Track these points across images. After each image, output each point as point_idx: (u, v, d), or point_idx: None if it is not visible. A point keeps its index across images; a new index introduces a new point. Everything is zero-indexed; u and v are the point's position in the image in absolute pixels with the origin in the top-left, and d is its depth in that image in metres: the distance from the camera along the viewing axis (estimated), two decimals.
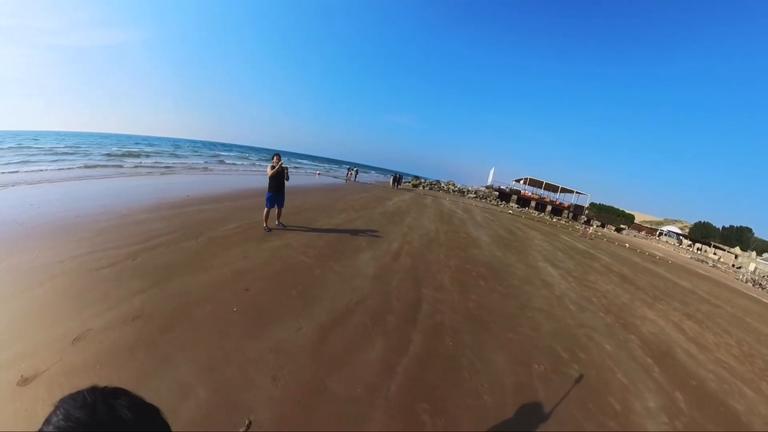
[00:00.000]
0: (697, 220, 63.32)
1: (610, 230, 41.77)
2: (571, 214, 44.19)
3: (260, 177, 19.80)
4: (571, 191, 46.92)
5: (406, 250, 8.14)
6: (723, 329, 7.39)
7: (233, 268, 5.27)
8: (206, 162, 32.54)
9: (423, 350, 3.89)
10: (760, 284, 20.09)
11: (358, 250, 7.37)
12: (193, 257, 5.46)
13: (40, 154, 22.33)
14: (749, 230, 56.88)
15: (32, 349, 2.90)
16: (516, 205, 42.49)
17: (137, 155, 29.11)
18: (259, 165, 37.33)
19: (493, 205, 36.68)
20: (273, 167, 7.69)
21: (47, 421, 0.57)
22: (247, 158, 49.76)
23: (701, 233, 56.61)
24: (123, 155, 27.50)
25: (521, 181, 48.95)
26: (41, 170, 14.62)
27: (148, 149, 37.99)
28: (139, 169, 19.01)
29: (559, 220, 37.47)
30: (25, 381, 2.56)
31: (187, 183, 14.87)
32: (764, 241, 55.95)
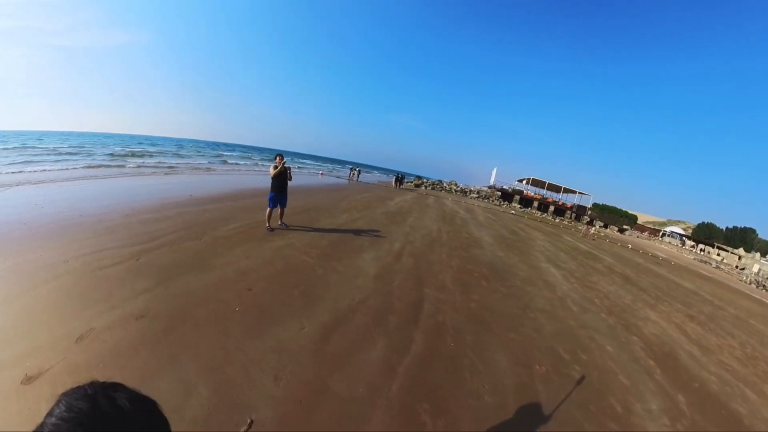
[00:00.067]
0: (700, 221, 63.09)
1: (612, 231, 41.65)
2: (573, 215, 44.09)
3: (263, 177, 19.85)
4: (573, 191, 46.80)
5: (408, 250, 8.14)
6: (726, 331, 7.36)
7: (236, 267, 5.29)
8: (210, 162, 32.64)
9: (424, 350, 3.90)
10: (764, 286, 19.99)
11: (360, 250, 7.38)
12: (196, 257, 5.48)
13: (43, 154, 22.44)
14: (753, 231, 56.62)
15: (36, 348, 2.92)
16: (518, 206, 42.42)
17: (140, 155, 29.21)
18: (262, 165, 37.40)
19: (495, 205, 36.62)
20: (275, 167, 7.71)
21: (50, 414, 0.59)
22: (249, 158, 49.87)
23: (704, 234, 56.39)
24: (126, 155, 27.60)
25: (524, 182, 48.86)
26: (45, 170, 14.70)
27: (152, 149, 38.12)
28: (143, 169, 19.09)
29: (562, 220, 37.39)
30: (29, 379, 2.58)
31: (190, 183, 14.93)
32: None
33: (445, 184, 47.58)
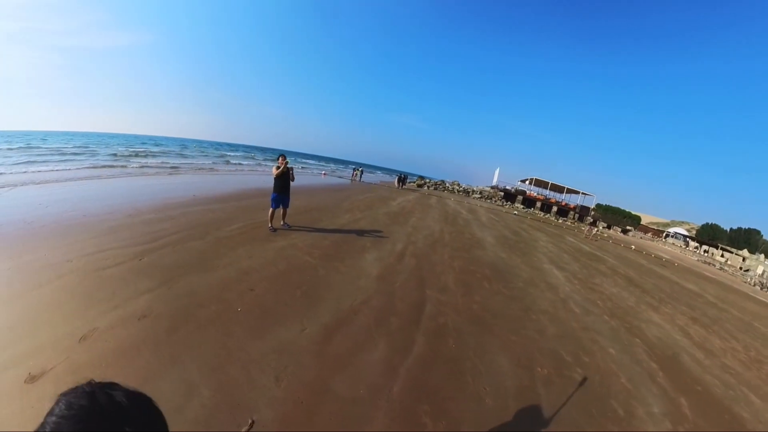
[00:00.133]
0: (704, 222, 62.72)
1: (616, 231, 41.49)
2: (576, 215, 43.96)
3: (265, 177, 19.89)
4: (576, 192, 46.67)
5: (410, 251, 8.14)
6: (730, 334, 7.32)
7: (238, 268, 5.30)
8: (213, 162, 32.73)
9: (426, 352, 3.90)
10: None
11: (362, 251, 7.39)
12: (198, 257, 5.50)
13: (47, 154, 22.56)
14: (758, 232, 56.24)
15: (40, 347, 2.94)
16: (521, 206, 42.32)
17: (144, 155, 29.32)
18: (265, 165, 37.47)
19: (498, 205, 36.56)
20: (278, 167, 7.72)
21: (50, 413, 0.60)
22: (252, 158, 50.00)
23: (708, 235, 56.08)
24: (130, 155, 27.71)
25: (527, 182, 48.77)
26: (49, 170, 14.78)
27: (155, 149, 38.28)
28: (146, 170, 19.16)
29: (565, 221, 37.28)
30: (32, 378, 2.60)
31: (194, 183, 14.98)
32: None
33: (447, 185, 47.53)
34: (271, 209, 7.79)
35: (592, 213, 46.00)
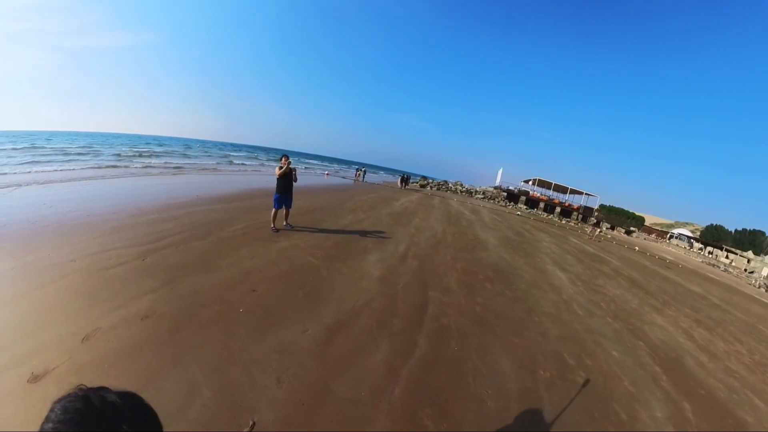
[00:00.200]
0: (708, 223, 62.26)
1: (619, 232, 41.30)
2: (580, 216, 43.80)
3: (268, 177, 19.92)
4: (580, 192, 46.48)
5: (413, 252, 8.13)
6: (734, 336, 7.26)
7: (241, 268, 5.32)
8: (217, 163, 32.85)
9: (428, 354, 3.89)
10: None
11: (365, 252, 7.39)
12: (201, 257, 5.52)
13: (52, 154, 22.72)
14: (763, 234, 55.79)
15: (43, 347, 2.96)
16: (524, 206, 42.19)
17: (148, 155, 29.47)
18: (268, 165, 37.56)
19: (501, 206, 36.47)
20: (281, 168, 7.73)
21: (46, 420, 0.61)
22: (256, 158, 50.12)
23: (713, 236, 55.71)
24: (134, 155, 27.86)
25: (530, 182, 48.61)
26: (53, 170, 14.88)
27: (159, 149, 38.46)
28: (150, 170, 19.25)
29: (568, 222, 37.15)
30: (35, 378, 2.61)
31: (197, 183, 15.04)
32: None
33: (450, 185, 47.45)
34: (273, 210, 7.80)
35: (596, 214, 45.81)
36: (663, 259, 21.04)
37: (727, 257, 37.29)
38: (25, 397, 2.45)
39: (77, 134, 63.39)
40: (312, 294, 4.86)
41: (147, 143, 51.70)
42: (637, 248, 24.04)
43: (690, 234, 55.02)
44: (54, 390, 2.50)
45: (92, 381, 2.62)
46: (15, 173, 13.03)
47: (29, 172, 13.77)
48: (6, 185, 10.03)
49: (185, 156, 34.96)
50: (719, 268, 27.51)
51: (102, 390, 0.67)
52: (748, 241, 53.03)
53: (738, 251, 40.99)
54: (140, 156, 28.18)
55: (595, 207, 47.23)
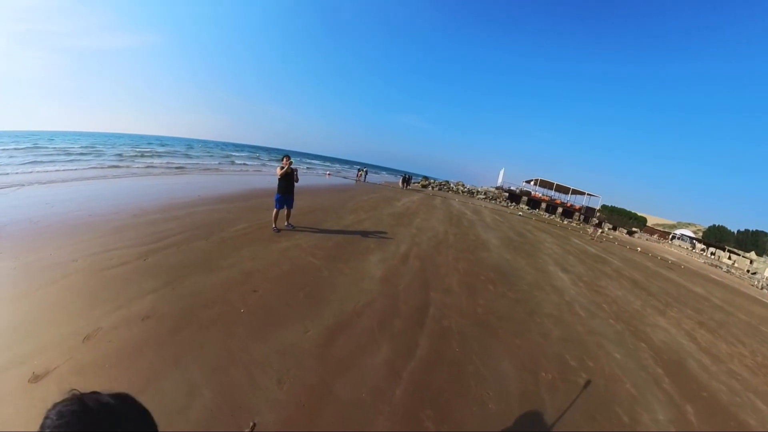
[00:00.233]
0: (711, 224, 61.99)
1: (621, 233, 41.21)
2: (582, 217, 43.69)
3: (270, 177, 19.94)
4: (582, 193, 46.37)
5: (414, 253, 8.12)
6: (737, 338, 7.22)
7: (242, 268, 5.31)
8: (219, 163, 32.92)
9: (429, 355, 3.88)
10: None
11: (366, 252, 7.38)
12: (203, 258, 5.52)
13: (54, 154, 22.81)
14: (765, 235, 55.51)
15: (44, 347, 2.96)
16: (526, 207, 42.12)
17: (150, 155, 29.54)
18: (270, 165, 37.60)
19: (502, 206, 36.41)
20: (282, 168, 7.72)
21: (42, 427, 0.61)
22: (257, 158, 50.19)
23: (715, 237, 55.49)
24: (136, 155, 27.93)
25: (531, 182, 48.52)
26: (56, 170, 14.93)
27: (161, 149, 38.56)
28: (152, 170, 19.28)
29: (570, 222, 37.07)
30: (36, 378, 2.61)
31: (199, 183, 15.06)
32: None
33: (452, 185, 47.40)
34: (275, 210, 7.79)
35: (598, 214, 45.69)
36: (665, 260, 20.97)
37: (729, 258, 37.17)
38: (26, 396, 2.45)
39: (80, 134, 63.59)
40: (313, 294, 4.85)
41: (149, 143, 51.81)
42: (639, 249, 23.97)
43: (692, 235, 54.83)
44: (55, 390, 2.50)
45: (93, 381, 2.63)
46: (17, 173, 13.08)
47: (31, 172, 13.82)
48: (8, 185, 10.06)
49: (187, 156, 35.04)
50: (722, 269, 27.41)
51: (95, 393, 0.67)
52: (751, 241, 52.78)
53: (740, 252, 40.85)
54: (142, 156, 28.26)
55: (597, 207, 47.09)
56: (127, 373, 2.80)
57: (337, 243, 7.70)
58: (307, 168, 46.51)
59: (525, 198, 44.74)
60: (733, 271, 28.20)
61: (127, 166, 19.57)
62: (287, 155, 7.91)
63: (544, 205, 44.09)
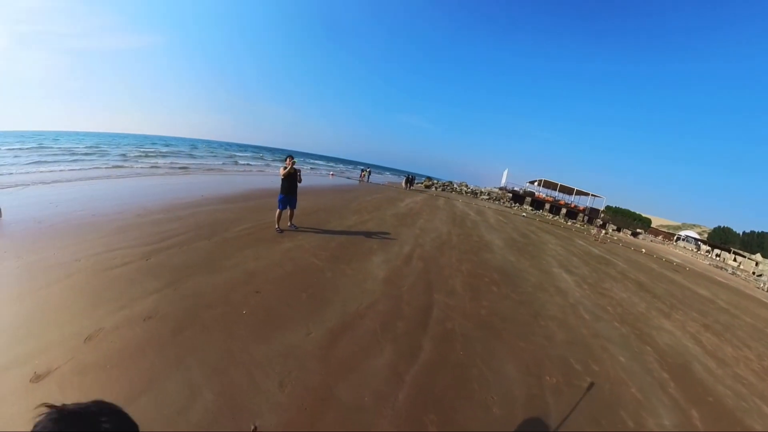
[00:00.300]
0: (716, 225, 61.63)
1: (626, 234, 41.01)
2: (586, 218, 43.52)
3: (273, 178, 19.97)
4: (586, 194, 46.21)
5: (417, 254, 8.09)
6: (742, 342, 7.15)
7: (245, 269, 5.30)
8: (222, 163, 33.03)
9: (433, 358, 3.85)
10: None
11: (369, 253, 7.36)
12: (205, 258, 5.51)
13: (59, 154, 22.94)
14: None
15: (46, 347, 2.95)
16: (530, 208, 42.00)
17: (154, 155, 29.67)
18: (273, 165, 37.67)
19: (506, 207, 36.31)
20: (285, 168, 7.72)
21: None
22: (261, 158, 50.30)
23: (720, 238, 55.15)
24: (140, 155, 28.05)
25: (535, 183, 48.39)
26: (60, 170, 15.01)
27: (165, 149, 38.73)
28: (156, 170, 19.35)
29: (574, 223, 36.93)
30: (37, 378, 2.60)
31: (203, 183, 15.10)
32: None
33: (455, 186, 47.30)
34: (278, 210, 7.78)
35: (602, 215, 45.49)
36: (670, 262, 20.84)
37: (734, 260, 36.91)
38: (28, 396, 2.44)
39: (84, 134, 63.95)
40: (316, 296, 4.84)
41: (153, 143, 52.03)
42: (643, 250, 23.84)
43: (697, 236, 54.50)
44: (56, 390, 2.50)
45: (94, 381, 2.62)
46: (22, 173, 13.15)
47: (36, 171, 13.89)
48: (13, 184, 10.12)
49: (191, 156, 35.17)
50: (727, 271, 27.21)
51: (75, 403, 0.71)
52: (757, 243, 52.37)
53: (746, 254, 40.53)
54: (146, 156, 28.38)
55: (601, 208, 46.92)
56: (128, 374, 2.78)
57: (340, 244, 7.68)
58: (311, 168, 46.57)
59: (529, 199, 44.63)
60: (738, 273, 27.99)
61: (131, 166, 19.65)
62: (290, 155, 7.90)
63: (547, 206, 43.97)
